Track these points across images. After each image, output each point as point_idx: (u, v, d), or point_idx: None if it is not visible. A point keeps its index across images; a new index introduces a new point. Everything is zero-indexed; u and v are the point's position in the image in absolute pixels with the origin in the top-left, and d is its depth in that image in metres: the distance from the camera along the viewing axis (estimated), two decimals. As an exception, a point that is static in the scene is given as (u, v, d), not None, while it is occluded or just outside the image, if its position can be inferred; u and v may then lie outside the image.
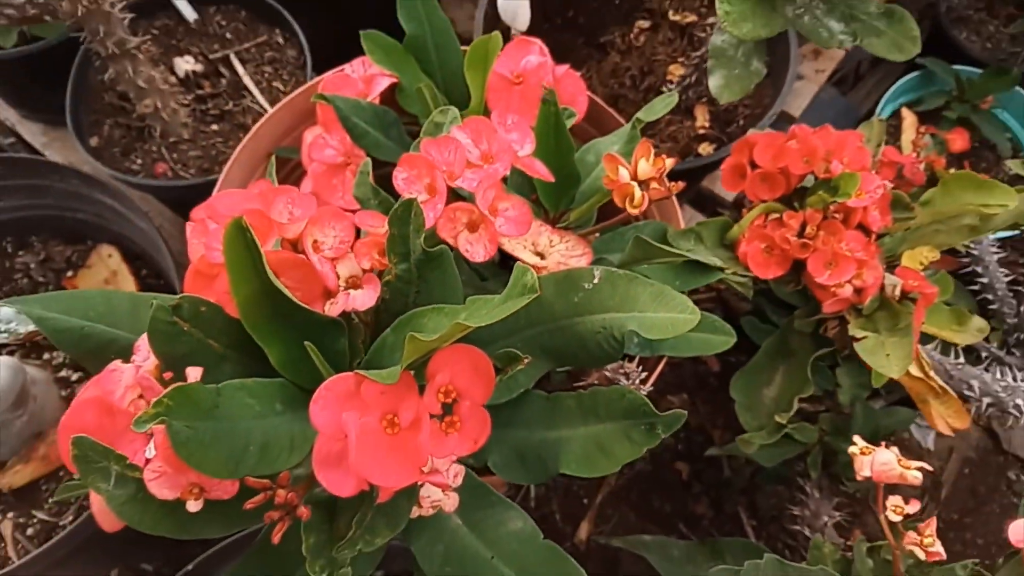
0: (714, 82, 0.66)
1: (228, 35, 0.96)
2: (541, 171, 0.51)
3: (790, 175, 0.67)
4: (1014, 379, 0.87)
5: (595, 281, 0.50)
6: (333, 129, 0.66)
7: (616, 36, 0.94)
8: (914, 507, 0.56)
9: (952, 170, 0.90)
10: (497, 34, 0.60)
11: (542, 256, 0.54)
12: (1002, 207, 0.60)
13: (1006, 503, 1.22)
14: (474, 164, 0.49)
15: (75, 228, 1.00)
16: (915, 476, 0.57)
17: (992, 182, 0.61)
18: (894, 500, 0.56)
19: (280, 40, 0.95)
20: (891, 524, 0.57)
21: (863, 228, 0.65)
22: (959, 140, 0.89)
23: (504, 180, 0.54)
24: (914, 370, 0.71)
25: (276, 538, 0.39)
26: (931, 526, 0.55)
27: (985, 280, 1.02)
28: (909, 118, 0.92)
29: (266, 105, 0.91)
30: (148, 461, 0.40)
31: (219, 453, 0.38)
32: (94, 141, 0.91)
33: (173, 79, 0.90)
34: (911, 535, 0.55)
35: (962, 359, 0.84)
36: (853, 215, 0.64)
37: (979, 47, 1.35)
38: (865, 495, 1.09)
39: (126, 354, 0.49)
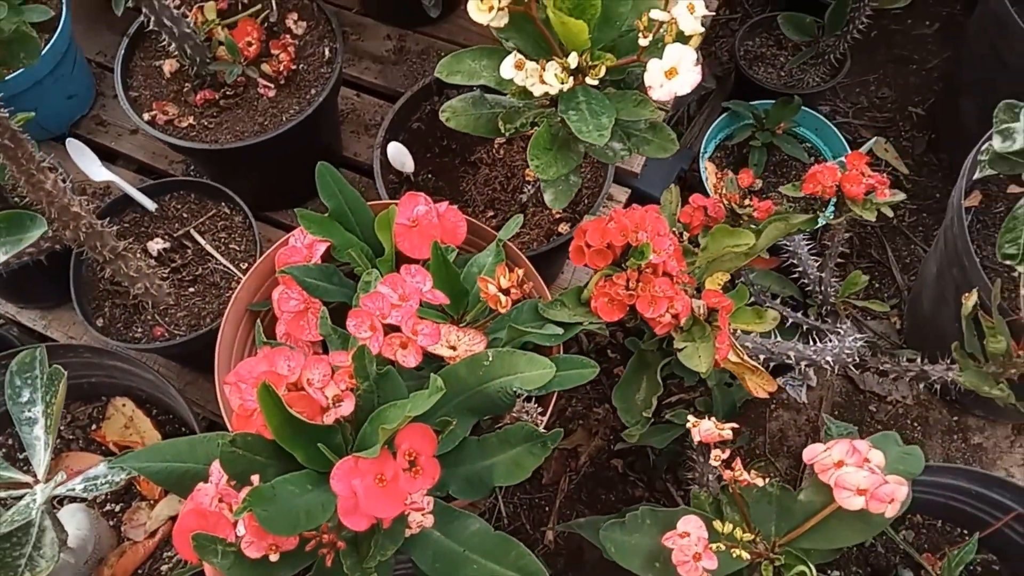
0: (548, 197, 0.95)
1: (185, 215, 1.22)
2: (439, 298, 0.79)
3: (614, 247, 0.96)
4: (822, 343, 1.18)
5: (490, 359, 0.79)
6: (293, 286, 0.93)
7: (483, 153, 1.23)
8: (726, 454, 0.84)
9: (749, 201, 1.21)
10: (394, 206, 0.88)
11: (454, 348, 0.82)
12: (747, 245, 0.91)
13: (871, 431, 1.53)
14: (396, 305, 0.76)
15: (90, 389, 1.24)
16: (728, 433, 0.86)
17: (738, 230, 0.92)
18: (715, 452, 0.85)
19: (227, 210, 1.22)
20: (720, 466, 0.85)
21: (668, 274, 0.94)
22: (746, 177, 1.19)
23: (421, 303, 0.82)
24: (733, 357, 1.01)
25: (328, 561, 0.66)
26: (738, 463, 0.84)
27: (800, 269, 1.34)
28: (710, 168, 1.23)
29: (228, 264, 1.17)
30: (240, 537, 0.66)
31: (284, 522, 0.65)
32: (100, 322, 1.16)
33: (151, 261, 1.15)
34: (728, 472, 0.84)
35: (779, 337, 1.14)
36: (658, 267, 0.94)
37: (775, 78, 1.69)
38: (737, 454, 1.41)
39: (199, 478, 0.75)
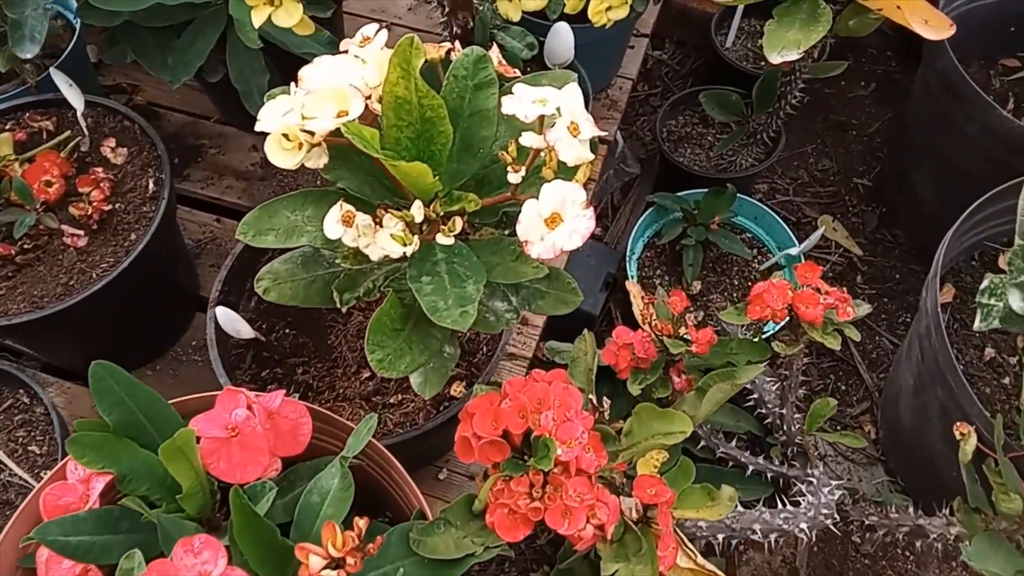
0: (415, 383, 0.71)
1: (-29, 409, 0.95)
2: (239, 585, 0.53)
3: (511, 435, 0.72)
4: (791, 501, 0.95)
5: (321, 667, 0.53)
6: (64, 539, 0.66)
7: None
8: None
9: (684, 330, 0.99)
10: (188, 432, 0.63)
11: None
12: (681, 432, 0.67)
13: (860, 567, 1.30)
14: (166, 611, 0.50)
15: None
16: None
17: (669, 412, 0.68)
18: None
19: (26, 400, 0.95)
20: None
21: (584, 472, 0.70)
22: (678, 302, 0.97)
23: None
24: (684, 562, 0.76)
25: None
26: None
27: (756, 395, 1.11)
28: (634, 289, 1.01)
29: (25, 475, 0.89)
30: None
31: None
32: None
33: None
34: None
35: (740, 507, 0.91)
36: (571, 463, 0.69)
37: (704, 160, 1.49)
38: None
39: None
